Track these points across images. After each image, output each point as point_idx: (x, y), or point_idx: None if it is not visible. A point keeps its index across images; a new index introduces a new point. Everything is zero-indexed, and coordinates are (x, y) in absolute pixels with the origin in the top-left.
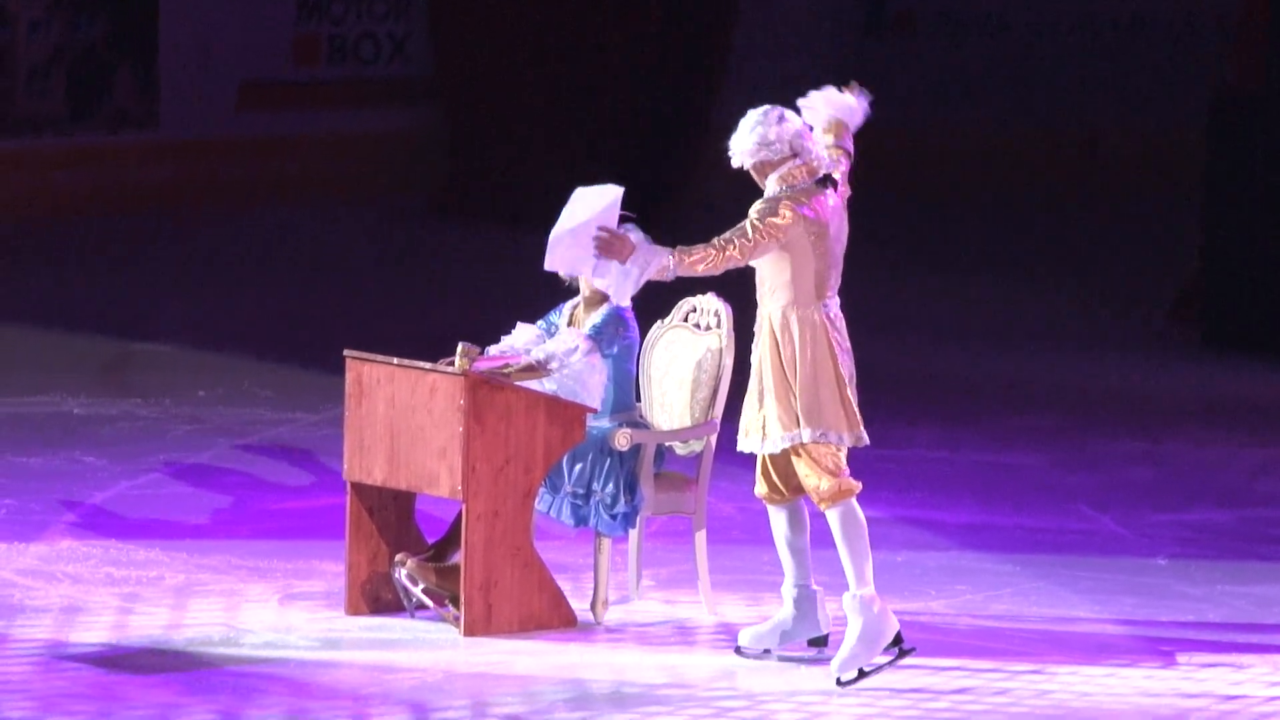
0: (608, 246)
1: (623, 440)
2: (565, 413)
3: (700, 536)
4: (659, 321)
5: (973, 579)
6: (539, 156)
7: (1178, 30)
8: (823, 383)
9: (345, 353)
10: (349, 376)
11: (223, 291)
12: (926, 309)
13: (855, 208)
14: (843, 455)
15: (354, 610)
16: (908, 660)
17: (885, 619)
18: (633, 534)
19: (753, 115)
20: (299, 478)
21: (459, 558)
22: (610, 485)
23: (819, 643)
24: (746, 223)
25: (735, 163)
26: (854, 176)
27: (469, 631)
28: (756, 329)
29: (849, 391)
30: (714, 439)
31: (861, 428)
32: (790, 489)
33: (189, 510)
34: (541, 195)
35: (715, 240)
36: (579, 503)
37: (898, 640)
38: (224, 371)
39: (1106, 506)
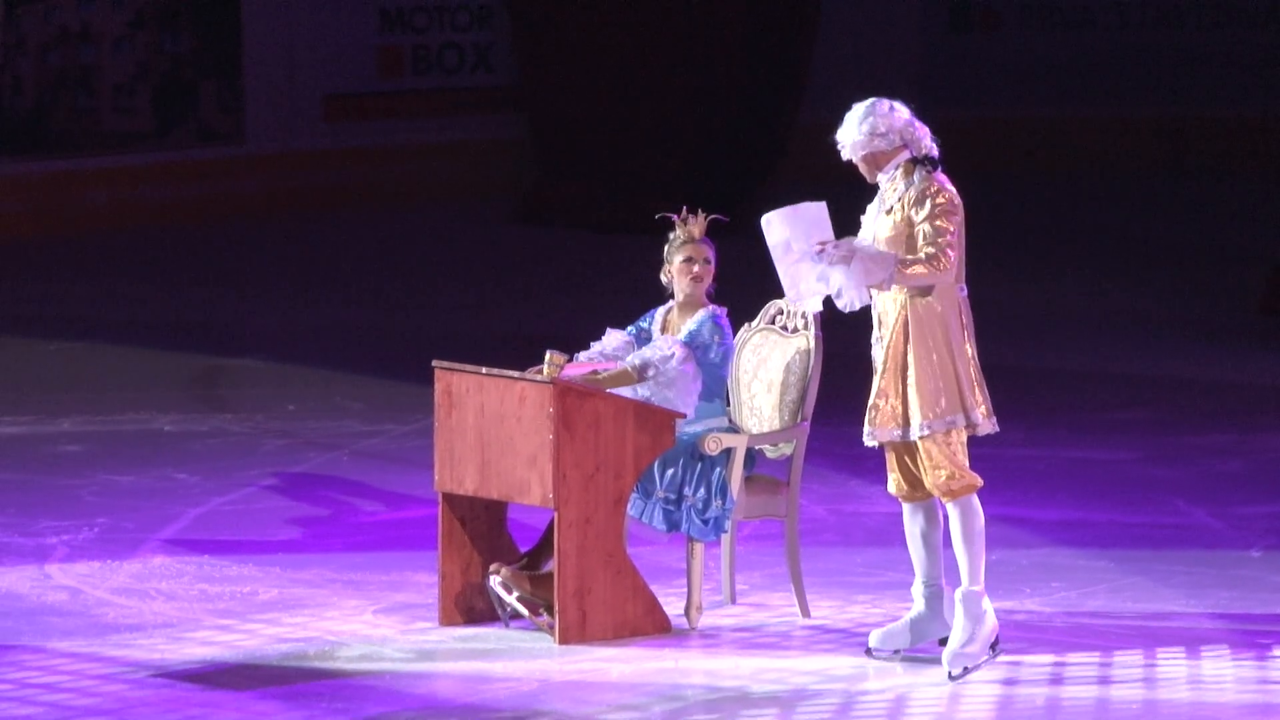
0: (834, 254)
1: (713, 445)
2: (654, 419)
3: (793, 539)
4: (746, 324)
5: (1067, 576)
6: (622, 163)
7: (1263, 17)
8: (962, 367)
9: (434, 363)
10: (438, 387)
11: (311, 304)
12: (1015, 302)
13: None
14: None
15: (448, 621)
16: (1003, 657)
17: (991, 617)
18: (725, 538)
19: (860, 108)
20: (390, 490)
21: (552, 566)
22: (701, 490)
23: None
24: (929, 225)
25: (845, 155)
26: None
27: (563, 639)
28: (883, 320)
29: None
30: (804, 441)
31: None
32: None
33: (281, 525)
34: (626, 201)
35: (922, 254)
36: (671, 508)
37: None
38: (314, 384)
39: (1199, 500)
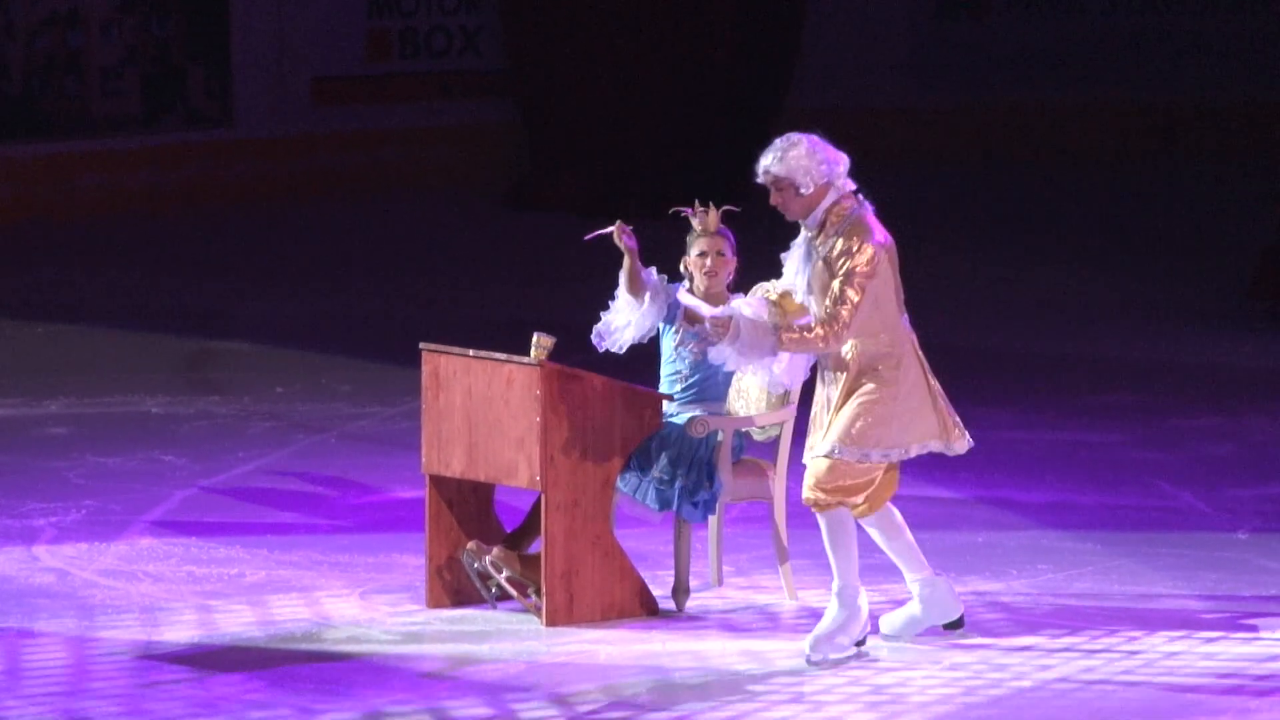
0: (715, 332)
1: (699, 428)
2: (641, 401)
3: (780, 522)
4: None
5: (1054, 558)
6: (612, 146)
7: (1253, 1)
8: (918, 400)
9: (421, 346)
10: (425, 369)
11: (298, 287)
12: (1003, 287)
13: (935, 185)
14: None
15: (435, 603)
16: (990, 640)
17: (864, 614)
18: (712, 520)
19: (782, 145)
20: (378, 472)
21: (538, 547)
22: (693, 472)
23: (954, 625)
24: (838, 288)
25: (766, 178)
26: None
27: (551, 621)
28: (837, 364)
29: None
30: (791, 424)
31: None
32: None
33: (269, 507)
34: (616, 184)
35: (821, 317)
36: (664, 488)
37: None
38: (301, 367)
39: (1187, 483)
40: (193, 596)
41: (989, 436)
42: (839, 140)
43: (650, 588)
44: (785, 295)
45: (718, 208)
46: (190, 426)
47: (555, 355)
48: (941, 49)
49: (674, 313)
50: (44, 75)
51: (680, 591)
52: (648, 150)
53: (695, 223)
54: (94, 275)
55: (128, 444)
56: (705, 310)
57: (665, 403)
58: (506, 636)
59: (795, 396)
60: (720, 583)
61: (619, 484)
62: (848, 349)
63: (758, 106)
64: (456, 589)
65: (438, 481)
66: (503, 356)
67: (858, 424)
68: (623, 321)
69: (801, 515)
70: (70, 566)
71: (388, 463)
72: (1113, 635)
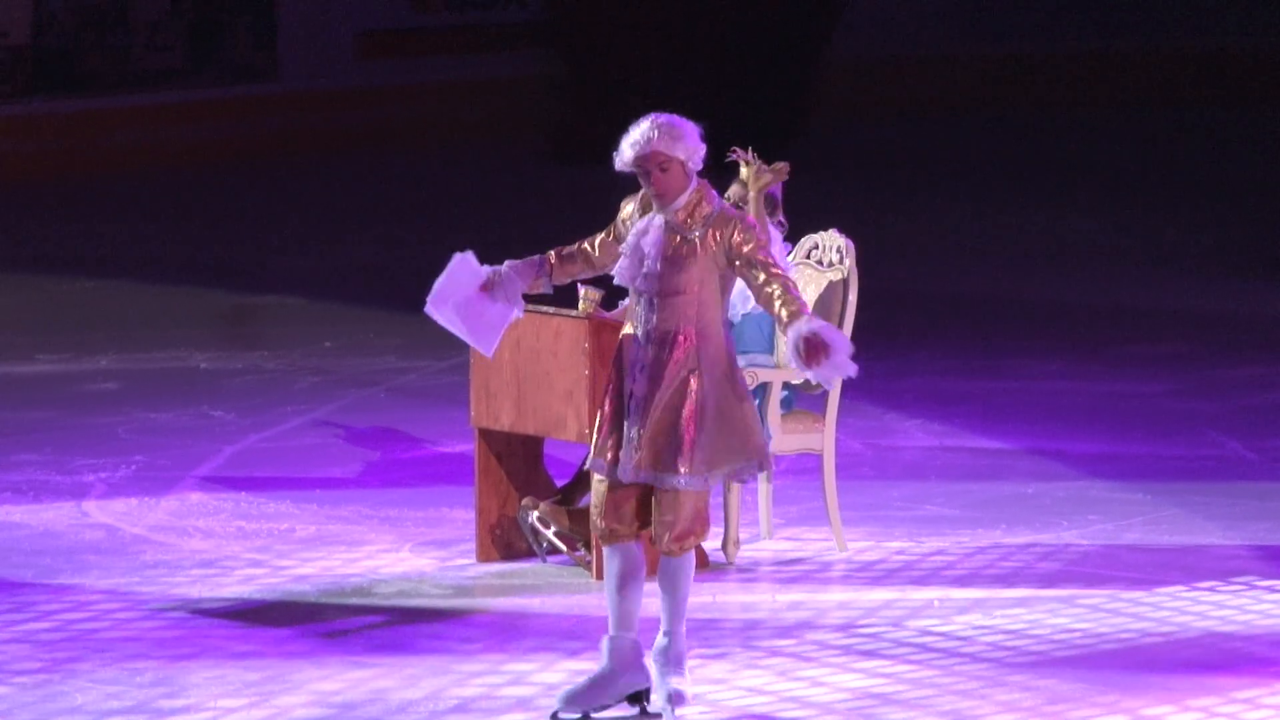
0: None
1: (748, 379)
2: None
3: (829, 473)
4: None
5: (1103, 508)
6: (655, 98)
7: None
8: (749, 409)
9: None
10: None
11: (345, 241)
12: (1051, 237)
13: (981, 134)
14: None
15: (485, 557)
16: (1040, 591)
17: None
18: (761, 473)
19: (661, 123)
20: (427, 426)
21: (588, 501)
22: None
23: (637, 699)
24: (761, 253)
25: (629, 157)
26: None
27: (601, 575)
28: (662, 342)
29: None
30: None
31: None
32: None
33: (318, 462)
34: None
35: (786, 283)
36: None
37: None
38: (349, 322)
39: (1235, 432)
40: (243, 552)
41: (1037, 387)
42: (882, 90)
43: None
44: (566, 258)
45: (765, 161)
46: (239, 381)
47: (603, 307)
48: None
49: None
50: (89, 29)
51: (730, 543)
52: (690, 101)
53: (742, 170)
54: (141, 230)
55: (177, 399)
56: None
57: None
58: (557, 590)
59: None
60: (770, 535)
61: None
62: (690, 348)
63: (801, 56)
64: (506, 543)
65: (487, 435)
66: (551, 310)
67: (724, 442)
68: None
69: (851, 468)
70: (120, 522)
71: (436, 417)
72: (1162, 585)
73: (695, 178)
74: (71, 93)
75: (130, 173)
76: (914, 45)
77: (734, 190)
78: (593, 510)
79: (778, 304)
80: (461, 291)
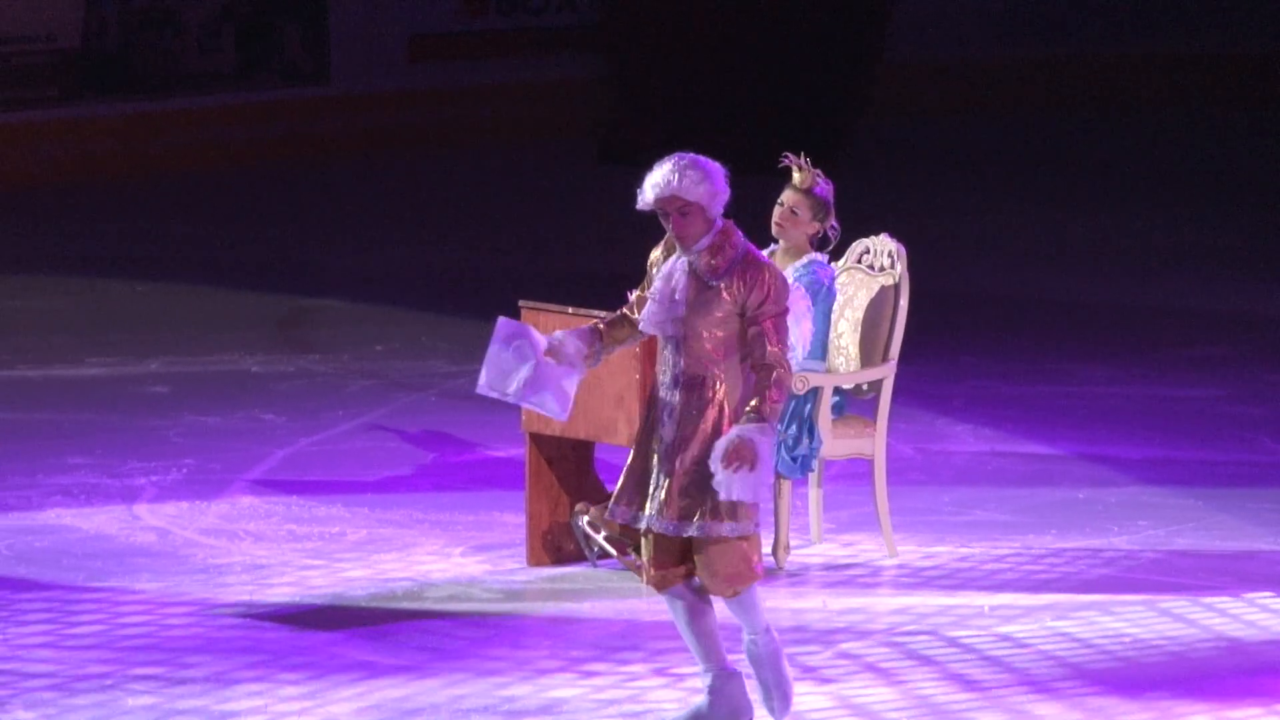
0: (738, 460)
1: (799, 384)
2: None
3: (880, 478)
4: (833, 264)
5: (1154, 514)
6: (704, 101)
7: None
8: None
9: (520, 303)
10: None
11: (396, 244)
12: (1098, 240)
13: (1025, 136)
14: None
15: (536, 561)
16: (1092, 597)
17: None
18: (812, 478)
19: (682, 164)
20: (478, 430)
21: None
22: (793, 427)
23: None
24: (771, 321)
25: (650, 198)
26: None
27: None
28: (692, 387)
29: None
30: (892, 381)
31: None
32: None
33: (369, 465)
34: (707, 138)
35: (772, 373)
36: None
37: None
38: (400, 325)
39: None
40: (294, 555)
41: (1087, 392)
42: (931, 93)
43: None
44: (614, 324)
45: (813, 164)
46: (290, 385)
47: None
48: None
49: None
50: (140, 32)
51: (780, 548)
52: (739, 105)
53: (795, 176)
54: (191, 233)
55: (228, 403)
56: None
57: None
58: (607, 595)
59: (895, 353)
60: (820, 540)
61: None
62: (719, 392)
63: (851, 60)
64: (557, 547)
65: (538, 439)
66: (602, 314)
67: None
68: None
69: (902, 473)
70: (171, 526)
71: (487, 420)
72: (1214, 592)
73: (720, 219)
74: (121, 95)
75: (180, 175)
76: (964, 48)
77: (787, 195)
78: (643, 560)
79: (753, 390)
80: (525, 366)
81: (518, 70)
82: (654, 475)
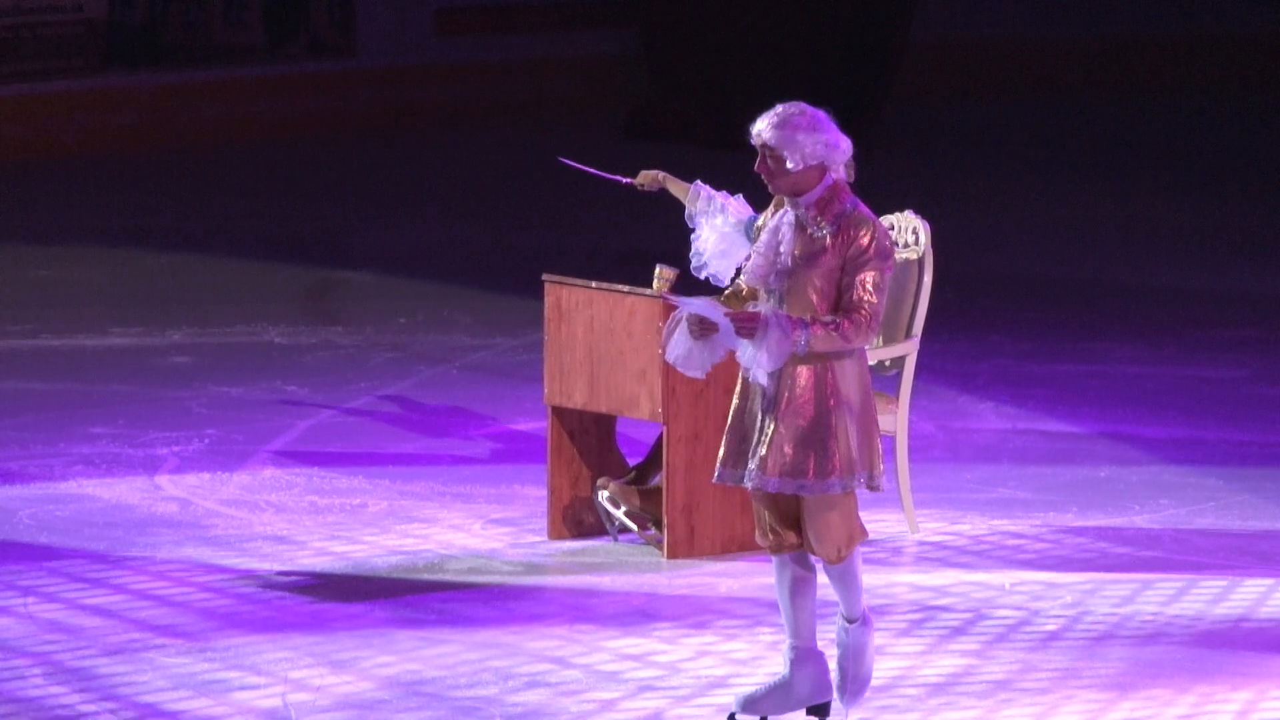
0: (741, 326)
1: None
2: None
3: (902, 455)
4: None
5: (1176, 493)
6: (735, 77)
7: None
8: (873, 423)
9: (544, 277)
10: (548, 301)
11: (420, 218)
12: (1126, 219)
13: (1055, 116)
14: None
15: (556, 534)
16: (1112, 576)
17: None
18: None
19: (788, 113)
20: (499, 403)
21: (660, 480)
22: None
23: (819, 711)
24: (869, 277)
25: (763, 139)
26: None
27: (672, 554)
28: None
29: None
30: (914, 357)
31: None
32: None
33: (391, 438)
34: (738, 115)
35: (852, 312)
36: None
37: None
38: (423, 298)
39: None
40: (315, 527)
41: (1110, 371)
42: (960, 72)
43: None
44: (730, 295)
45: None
46: (312, 356)
47: (678, 287)
48: None
49: (750, 224)
50: (167, 4)
51: None
52: (767, 80)
53: None
54: (216, 205)
55: (250, 374)
56: (719, 312)
57: None
58: (627, 569)
59: (918, 330)
60: None
61: None
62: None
63: (879, 37)
64: (578, 521)
65: (559, 413)
66: (625, 288)
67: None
68: (706, 242)
69: (924, 450)
70: (193, 496)
71: (509, 394)
72: (1235, 572)
73: (828, 175)
74: (148, 67)
75: (207, 148)
76: (993, 28)
77: None
78: (756, 522)
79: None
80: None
81: (546, 45)
82: (755, 434)
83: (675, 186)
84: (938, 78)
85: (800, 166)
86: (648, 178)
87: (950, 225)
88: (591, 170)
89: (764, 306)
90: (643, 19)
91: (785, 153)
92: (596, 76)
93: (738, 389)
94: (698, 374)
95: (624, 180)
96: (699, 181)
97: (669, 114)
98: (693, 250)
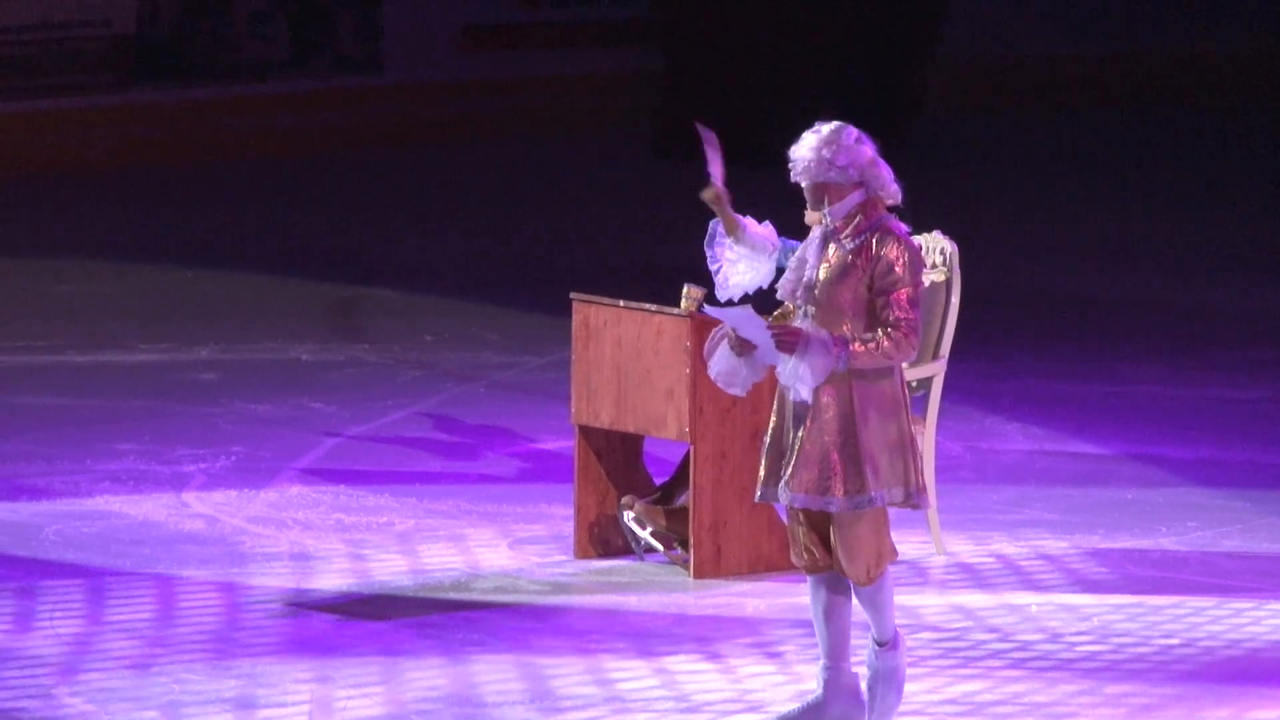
0: (783, 341)
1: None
2: None
3: (929, 475)
4: None
5: (1202, 515)
6: (756, 94)
7: None
8: (909, 439)
9: (572, 295)
10: (575, 319)
11: (447, 235)
12: (1151, 237)
13: (1080, 133)
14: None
15: (583, 554)
16: (1138, 598)
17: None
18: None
19: (823, 129)
20: (526, 421)
21: (686, 499)
22: None
23: None
24: (902, 296)
25: (795, 176)
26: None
27: (698, 573)
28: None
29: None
30: (941, 378)
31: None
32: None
33: (417, 456)
34: (760, 132)
35: (889, 331)
36: None
37: None
38: (451, 315)
39: None
40: (342, 544)
41: (1136, 391)
42: (986, 86)
43: None
44: (779, 315)
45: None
46: (340, 374)
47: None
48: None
49: (784, 258)
50: (193, 19)
51: None
52: (793, 99)
53: None
54: (243, 221)
55: (277, 391)
56: (760, 324)
57: None
58: (654, 588)
59: (946, 350)
60: None
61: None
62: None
63: (907, 56)
64: (604, 540)
65: (587, 432)
66: (653, 307)
67: (877, 467)
68: (734, 268)
69: (950, 470)
70: (219, 513)
71: (536, 412)
72: (1261, 594)
73: (860, 190)
74: (175, 82)
75: (233, 163)
76: (1020, 45)
77: None
78: (790, 542)
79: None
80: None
81: (570, 62)
82: (787, 451)
83: (726, 215)
84: (965, 95)
85: (836, 179)
86: (713, 195)
87: (976, 242)
88: (711, 149)
89: (805, 323)
90: (667, 37)
91: (823, 164)
92: (620, 94)
93: (774, 406)
94: (739, 391)
95: (714, 179)
96: (750, 218)
97: (690, 130)
98: (719, 274)
